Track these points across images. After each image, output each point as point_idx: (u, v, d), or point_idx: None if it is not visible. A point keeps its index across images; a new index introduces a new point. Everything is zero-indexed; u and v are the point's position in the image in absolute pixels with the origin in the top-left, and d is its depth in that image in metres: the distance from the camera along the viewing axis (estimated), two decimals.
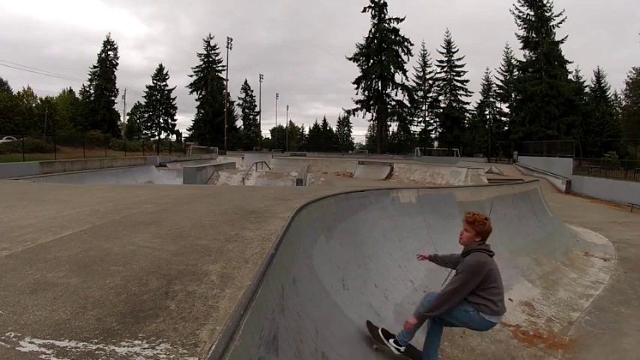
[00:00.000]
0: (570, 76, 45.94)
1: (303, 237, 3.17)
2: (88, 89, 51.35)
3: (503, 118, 53.35)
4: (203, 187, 10.20)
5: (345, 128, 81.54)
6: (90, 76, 50.99)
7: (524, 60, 45.73)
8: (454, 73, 54.81)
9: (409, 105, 56.43)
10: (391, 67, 53.74)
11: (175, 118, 57.41)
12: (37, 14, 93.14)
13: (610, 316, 4.89)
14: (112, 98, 51.67)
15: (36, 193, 5.25)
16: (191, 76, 60.11)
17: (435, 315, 2.74)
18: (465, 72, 54.42)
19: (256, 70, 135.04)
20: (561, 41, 43.24)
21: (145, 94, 55.69)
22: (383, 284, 4.00)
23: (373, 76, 54.38)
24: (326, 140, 73.55)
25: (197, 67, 60.08)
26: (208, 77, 59.32)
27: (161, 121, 56.50)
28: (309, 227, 3.47)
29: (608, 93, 50.15)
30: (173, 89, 56.41)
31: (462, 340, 3.89)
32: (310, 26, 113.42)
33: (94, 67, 50.84)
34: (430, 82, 56.42)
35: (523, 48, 45.15)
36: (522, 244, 7.19)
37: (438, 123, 56.96)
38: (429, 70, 56.59)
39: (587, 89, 48.89)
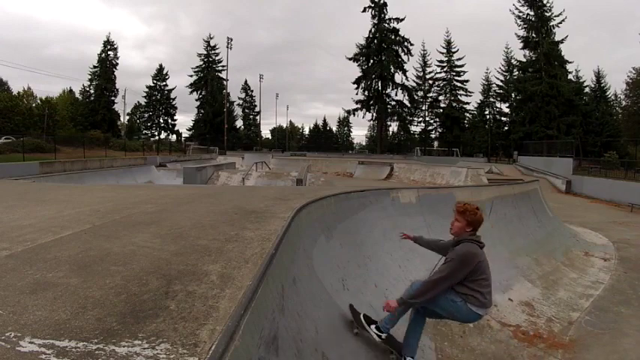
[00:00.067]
0: (570, 76, 45.95)
1: (303, 237, 3.17)
2: (88, 89, 51.38)
3: (503, 118, 53.39)
4: (203, 187, 10.20)
5: (345, 128, 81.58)
6: (90, 76, 51.03)
7: (524, 60, 45.73)
8: (454, 73, 54.80)
9: (409, 105, 56.44)
10: (391, 67, 53.72)
11: (175, 118, 57.47)
12: (37, 14, 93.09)
13: (610, 316, 4.89)
14: (112, 98, 51.67)
15: (36, 193, 5.25)
16: (191, 76, 60.18)
17: (419, 302, 2.68)
18: (465, 72, 54.48)
19: (256, 70, 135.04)
20: (561, 41, 43.25)
21: (145, 94, 55.72)
22: (383, 284, 4.00)
23: (373, 76, 54.38)
24: (326, 140, 73.55)
25: (197, 67, 60.12)
26: (208, 77, 59.32)
27: (161, 121, 56.50)
28: (309, 227, 3.47)
29: (608, 93, 50.17)
30: (173, 89, 56.46)
31: (462, 340, 3.89)
32: (310, 26, 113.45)
33: (94, 67, 50.85)
34: (430, 82, 56.44)
35: (523, 48, 45.17)
36: (522, 244, 7.19)
37: (438, 123, 56.96)
38: (429, 70, 56.66)
39: (587, 89, 48.89)
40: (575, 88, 44.67)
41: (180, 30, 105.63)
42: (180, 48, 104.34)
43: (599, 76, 50.19)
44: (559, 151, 31.93)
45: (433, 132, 58.80)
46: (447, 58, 54.82)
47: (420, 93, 56.91)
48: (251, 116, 68.13)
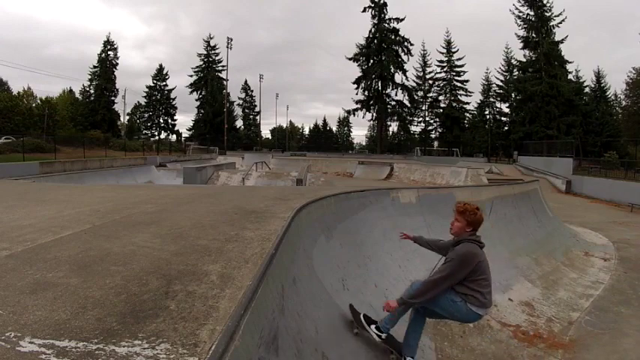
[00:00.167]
0: (570, 76, 45.94)
1: (303, 237, 3.17)
2: (88, 89, 51.36)
3: (503, 118, 53.38)
4: (203, 187, 10.21)
5: (345, 128, 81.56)
6: (90, 76, 51.01)
7: (524, 60, 45.72)
8: (454, 73, 54.80)
9: (409, 105, 56.43)
10: (391, 67, 53.72)
11: (175, 118, 57.42)
12: (37, 14, 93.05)
13: (610, 316, 4.89)
14: (112, 98, 51.65)
15: (36, 193, 5.25)
16: (191, 76, 60.18)
17: (418, 302, 2.68)
18: (465, 72, 54.47)
19: (256, 70, 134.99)
20: (561, 41, 43.25)
21: (145, 94, 55.69)
22: (383, 284, 4.00)
23: (373, 76, 54.37)
24: (326, 140, 73.54)
25: (197, 67, 60.12)
26: (208, 77, 59.31)
27: (161, 121, 56.48)
28: (309, 227, 3.47)
29: (608, 93, 50.16)
30: (173, 89, 56.43)
31: (462, 340, 3.89)
32: (310, 26, 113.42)
33: (94, 67, 50.84)
34: (430, 82, 56.43)
35: (523, 48, 45.16)
36: (522, 244, 7.19)
37: (438, 123, 56.96)
38: (429, 70, 56.66)
39: (587, 89, 48.87)
40: (575, 88, 44.66)
41: (180, 30, 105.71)
42: (180, 48, 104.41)
43: (599, 76, 50.22)
44: (559, 151, 31.93)
45: (433, 132, 58.86)
46: (447, 58, 54.82)
47: (420, 93, 56.92)
48: (251, 116, 68.13)
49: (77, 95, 52.88)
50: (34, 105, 42.82)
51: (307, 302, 2.60)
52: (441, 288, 2.60)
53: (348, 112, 58.30)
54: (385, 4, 52.84)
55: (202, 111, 59.52)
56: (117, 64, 52.15)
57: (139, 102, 57.69)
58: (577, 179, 24.11)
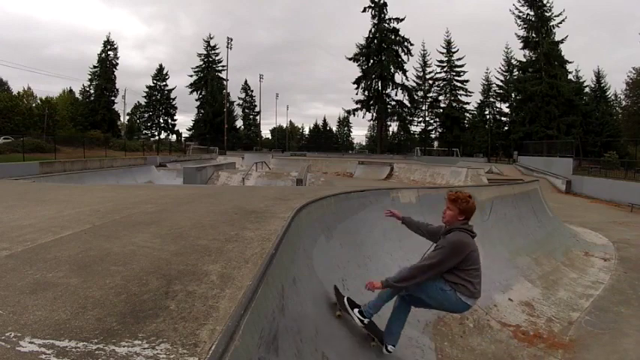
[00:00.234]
0: (570, 76, 45.95)
1: (303, 237, 3.17)
2: (88, 89, 51.38)
3: (503, 118, 53.40)
4: (203, 187, 10.21)
5: (345, 128, 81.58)
6: (90, 76, 51.03)
7: (524, 60, 45.72)
8: (454, 73, 54.80)
9: (409, 105, 56.45)
10: (391, 67, 53.73)
11: (175, 118, 57.47)
12: (37, 14, 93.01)
13: (610, 316, 4.89)
14: (112, 98, 51.67)
15: (36, 193, 5.25)
16: (191, 76, 60.19)
17: (404, 286, 2.63)
18: (465, 72, 54.48)
19: (256, 70, 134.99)
20: (561, 41, 43.25)
21: (145, 94, 55.72)
22: None
23: (373, 76, 54.38)
24: (326, 140, 73.54)
25: (197, 67, 60.12)
26: (208, 77, 59.31)
27: (161, 121, 56.50)
28: (309, 227, 3.47)
29: (608, 93, 50.17)
30: (173, 89, 56.45)
31: (462, 340, 3.89)
32: (310, 26, 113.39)
33: (94, 67, 50.85)
34: (430, 82, 56.45)
35: (523, 48, 45.16)
36: (522, 244, 7.19)
37: (438, 123, 56.96)
38: (429, 70, 56.67)
39: (587, 89, 48.89)
40: (575, 88, 44.67)
41: (180, 30, 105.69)
42: (180, 48, 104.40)
43: (599, 76, 50.23)
44: (559, 151, 31.92)
45: (433, 132, 58.88)
46: (447, 58, 54.83)
47: (420, 93, 56.93)
48: (251, 116, 68.14)
49: (77, 95, 52.98)
50: (34, 105, 42.83)
51: (307, 302, 2.60)
52: (428, 275, 2.55)
53: (348, 112, 58.38)
54: (385, 4, 52.87)
55: (202, 111, 59.51)
56: (117, 64, 52.22)
57: (139, 102, 57.80)
58: (577, 179, 24.10)
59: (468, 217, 2.67)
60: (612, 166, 25.55)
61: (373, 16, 53.45)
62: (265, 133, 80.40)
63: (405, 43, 53.61)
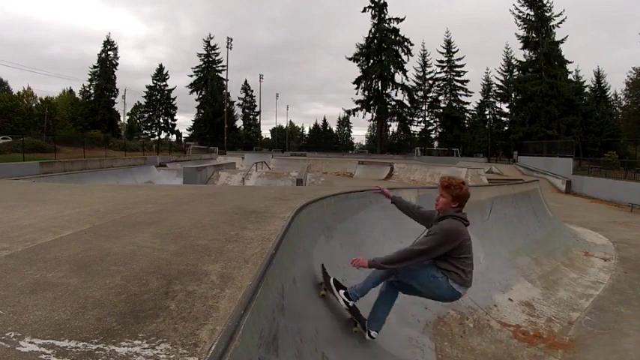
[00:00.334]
0: (570, 76, 45.97)
1: (303, 237, 3.17)
2: (88, 89, 51.41)
3: (503, 118, 53.42)
4: (203, 187, 10.21)
5: (345, 128, 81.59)
6: (90, 76, 51.06)
7: (524, 60, 45.73)
8: (454, 73, 54.82)
9: (409, 105, 56.47)
10: (391, 67, 53.75)
11: (175, 118, 57.53)
12: (37, 14, 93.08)
13: (610, 316, 4.89)
14: (112, 98, 51.70)
15: (36, 193, 5.25)
16: (191, 76, 60.21)
17: (392, 268, 2.58)
18: (465, 72, 54.52)
19: (256, 70, 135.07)
20: (561, 41, 43.26)
21: (145, 94, 55.75)
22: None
23: (373, 76, 54.38)
24: (326, 140, 73.56)
25: (197, 67, 60.15)
26: (208, 77, 59.32)
27: (161, 121, 56.52)
28: (309, 227, 3.47)
29: (608, 93, 50.18)
30: (173, 89, 56.48)
31: (462, 340, 3.89)
32: (310, 26, 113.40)
33: (94, 67, 50.87)
34: (430, 82, 56.47)
35: (523, 48, 45.17)
36: (522, 244, 7.18)
37: (438, 123, 56.98)
38: (429, 70, 56.70)
39: (587, 89, 48.90)
40: (575, 88, 44.68)
41: (180, 30, 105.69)
42: (180, 48, 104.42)
43: (599, 76, 50.24)
44: (559, 151, 31.93)
45: (433, 132, 58.91)
46: (447, 58, 54.84)
47: (420, 93, 56.95)
48: (251, 116, 68.14)
49: (77, 95, 53.02)
50: (34, 105, 42.84)
51: (307, 302, 2.60)
52: (417, 260, 2.52)
53: (348, 112, 58.41)
54: (385, 4, 52.89)
55: (202, 111, 59.52)
56: (117, 64, 52.26)
57: (139, 102, 57.84)
58: (577, 179, 24.10)
59: (462, 205, 2.63)
60: (612, 166, 25.56)
61: (373, 16, 53.50)
62: (265, 133, 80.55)
63: (405, 43, 53.66)
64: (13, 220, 3.23)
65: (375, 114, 56.51)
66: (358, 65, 55.32)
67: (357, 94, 55.87)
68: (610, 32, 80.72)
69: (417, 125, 59.26)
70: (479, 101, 54.73)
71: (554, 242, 8.18)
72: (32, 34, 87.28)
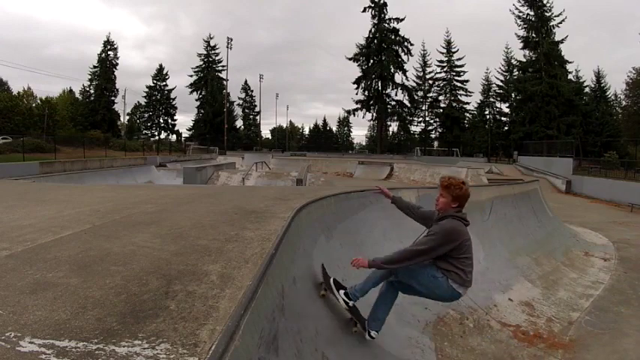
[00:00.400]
0: (570, 76, 45.98)
1: (303, 237, 3.17)
2: (88, 89, 51.41)
3: (503, 118, 53.44)
4: (203, 187, 10.21)
5: (345, 128, 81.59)
6: (90, 76, 51.06)
7: (524, 60, 45.74)
8: (454, 73, 54.82)
9: (409, 105, 56.49)
10: (391, 67, 53.75)
11: (175, 118, 57.52)
12: (37, 14, 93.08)
13: (610, 316, 4.89)
14: (112, 98, 51.70)
15: (36, 193, 5.25)
16: (191, 76, 60.20)
17: (391, 268, 2.58)
18: (465, 72, 54.52)
19: (256, 70, 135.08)
20: (561, 41, 43.27)
21: (145, 94, 55.74)
22: None
23: (373, 76, 54.39)
24: (326, 140, 73.55)
25: (197, 67, 60.14)
26: (208, 77, 59.32)
27: (161, 121, 56.51)
28: (309, 227, 3.47)
29: (608, 93, 50.19)
30: (173, 89, 56.48)
31: (462, 340, 3.89)
32: (310, 26, 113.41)
33: (94, 67, 50.87)
34: (430, 82, 56.48)
35: (523, 48, 45.18)
36: (522, 244, 7.19)
37: (438, 123, 56.99)
38: (429, 70, 56.71)
39: (587, 89, 48.91)
40: (575, 88, 44.69)
41: (180, 30, 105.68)
42: (180, 48, 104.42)
43: (599, 76, 50.25)
44: (559, 151, 31.93)
45: (433, 132, 58.92)
46: (447, 58, 54.85)
47: (420, 93, 56.96)
48: (251, 116, 68.15)
49: (77, 95, 53.03)
50: (34, 105, 42.84)
51: (307, 302, 2.60)
52: (417, 260, 2.51)
53: (348, 112, 58.43)
54: (385, 4, 52.89)
55: (202, 111, 59.52)
56: (117, 64, 52.27)
57: (139, 102, 57.83)
58: (577, 179, 24.10)
59: (462, 205, 2.62)
60: (612, 166, 25.57)
61: (373, 16, 53.51)
62: (265, 133, 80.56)
63: (405, 43, 53.66)
64: (13, 220, 3.23)
65: (375, 114, 56.53)
66: (358, 65, 55.39)
67: (357, 94, 55.97)
68: (610, 32, 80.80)
69: (417, 125, 59.38)
70: (479, 101, 54.82)
71: (554, 242, 8.18)
72: (32, 34, 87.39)
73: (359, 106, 56.05)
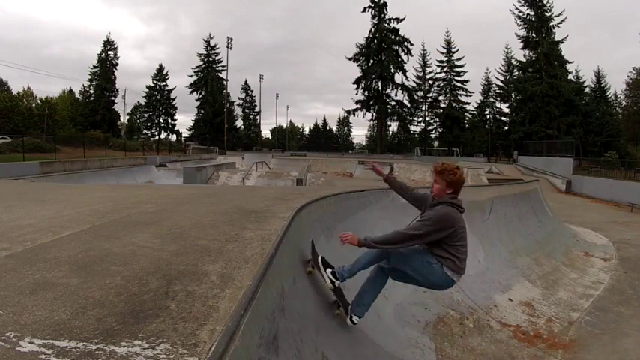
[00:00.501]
0: (570, 76, 45.99)
1: (303, 237, 3.17)
2: (88, 89, 51.38)
3: (503, 118, 53.45)
4: (203, 187, 10.21)
5: (345, 128, 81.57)
6: (90, 76, 51.02)
7: (524, 60, 45.75)
8: (454, 73, 54.81)
9: (409, 105, 56.48)
10: (391, 67, 53.76)
11: (175, 118, 57.43)
12: (37, 14, 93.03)
13: (610, 316, 4.89)
14: (112, 98, 51.67)
15: (36, 193, 5.25)
16: (191, 76, 60.18)
17: (382, 248, 2.54)
18: (465, 72, 54.51)
19: (256, 70, 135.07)
20: (561, 41, 43.28)
21: (145, 94, 55.68)
22: None
23: (373, 76, 54.39)
24: (326, 140, 73.54)
25: (197, 67, 60.11)
26: (208, 77, 59.31)
27: (161, 121, 56.47)
28: (309, 227, 3.47)
29: (608, 93, 50.18)
30: (173, 89, 56.41)
31: (462, 340, 3.89)
32: (310, 26, 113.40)
33: (94, 67, 50.85)
34: (430, 82, 56.47)
35: (523, 48, 45.19)
36: (522, 244, 7.19)
37: (438, 123, 56.99)
38: (429, 70, 56.70)
39: (587, 89, 48.92)
40: (575, 88, 44.70)
41: (180, 30, 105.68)
42: (180, 48, 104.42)
43: (599, 76, 50.24)
44: (559, 151, 31.94)
45: (433, 132, 58.92)
46: (447, 58, 54.84)
47: (420, 93, 56.95)
48: (251, 116, 68.14)
49: (77, 95, 52.99)
50: (34, 105, 42.83)
51: (307, 302, 2.60)
52: (409, 244, 2.47)
53: (348, 112, 58.43)
54: (385, 4, 52.90)
55: (202, 111, 59.51)
56: (117, 64, 52.23)
57: (139, 102, 57.77)
58: (577, 179, 24.11)
59: (457, 191, 2.56)
60: (612, 166, 25.59)
61: (373, 16, 53.52)
62: (265, 133, 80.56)
63: (405, 43, 53.66)
64: (13, 220, 3.23)
65: (375, 114, 56.53)
66: (358, 65, 55.40)
67: (357, 94, 55.98)
68: (610, 32, 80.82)
69: (417, 125, 59.37)
70: (479, 101, 54.82)
71: (554, 242, 8.19)
72: (32, 34, 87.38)
73: (359, 106, 56.09)
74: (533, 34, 43.70)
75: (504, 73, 51.24)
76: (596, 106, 47.95)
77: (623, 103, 47.44)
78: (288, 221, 2.96)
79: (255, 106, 67.78)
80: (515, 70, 48.96)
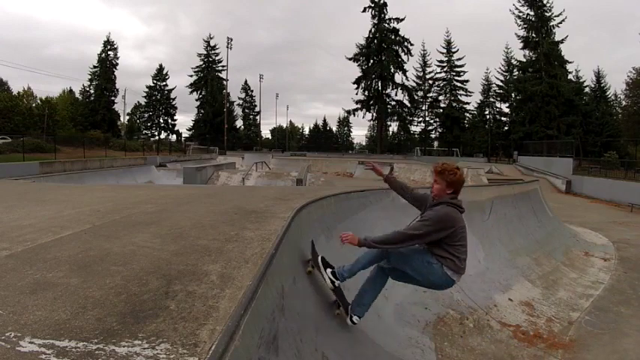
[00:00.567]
0: (570, 76, 45.99)
1: (303, 237, 3.17)
2: (88, 89, 51.37)
3: (503, 118, 53.44)
4: (203, 187, 10.21)
5: (345, 128, 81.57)
6: (90, 76, 51.02)
7: (524, 60, 45.75)
8: (454, 73, 54.81)
9: (409, 105, 56.49)
10: (391, 67, 53.76)
11: (175, 118, 57.42)
12: (37, 14, 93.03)
13: (610, 316, 4.89)
14: (112, 98, 51.67)
15: (36, 193, 5.25)
16: (191, 76, 60.17)
17: (382, 248, 2.54)
18: (465, 72, 54.51)
19: (256, 70, 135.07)
20: (561, 41, 43.28)
21: (145, 94, 55.67)
22: None
23: (373, 76, 54.39)
24: (326, 140, 73.53)
25: (197, 67, 60.10)
26: (208, 77, 59.30)
27: (161, 121, 56.46)
28: (309, 227, 3.47)
29: (608, 93, 50.18)
30: (173, 89, 56.40)
31: (462, 340, 3.89)
32: (310, 26, 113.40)
33: (94, 67, 50.84)
34: (430, 82, 56.46)
35: (523, 48, 45.19)
36: (522, 244, 7.19)
37: (438, 123, 56.99)
38: (429, 70, 56.70)
39: (587, 89, 48.93)
40: (575, 88, 44.70)
41: (180, 30, 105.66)
42: (180, 48, 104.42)
43: (599, 76, 50.24)
44: (559, 151, 31.94)
45: (433, 132, 58.93)
46: (447, 58, 54.84)
47: (420, 93, 56.95)
48: (251, 116, 68.13)
49: (77, 95, 52.97)
50: (34, 105, 42.82)
51: (307, 302, 2.60)
52: (409, 244, 2.47)
53: (348, 112, 58.44)
54: (385, 4, 52.89)
55: (202, 111, 59.51)
56: (117, 64, 52.23)
57: (139, 102, 57.76)
58: (577, 179, 24.12)
59: (457, 191, 2.56)
60: (612, 166, 25.59)
61: (373, 16, 53.52)
62: (265, 133, 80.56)
63: (405, 43, 53.67)
64: (13, 220, 3.23)
65: (375, 114, 56.53)
66: (358, 65, 55.40)
67: (357, 94, 55.98)
68: (610, 32, 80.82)
69: (417, 125, 59.37)
70: (479, 101, 54.82)
71: (554, 242, 8.19)
72: (32, 34, 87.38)
73: (359, 106, 56.08)
74: (533, 34, 43.70)
75: (504, 73, 51.28)
76: (596, 106, 47.95)
77: (623, 103, 47.50)
78: (288, 221, 2.96)
79: (255, 106, 67.85)
80: (515, 70, 48.96)
